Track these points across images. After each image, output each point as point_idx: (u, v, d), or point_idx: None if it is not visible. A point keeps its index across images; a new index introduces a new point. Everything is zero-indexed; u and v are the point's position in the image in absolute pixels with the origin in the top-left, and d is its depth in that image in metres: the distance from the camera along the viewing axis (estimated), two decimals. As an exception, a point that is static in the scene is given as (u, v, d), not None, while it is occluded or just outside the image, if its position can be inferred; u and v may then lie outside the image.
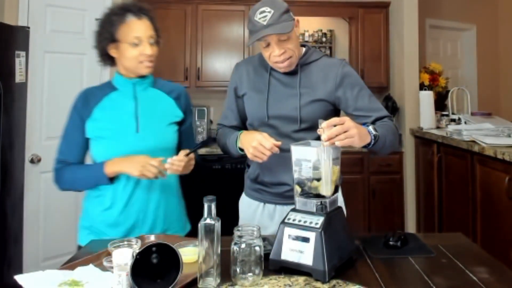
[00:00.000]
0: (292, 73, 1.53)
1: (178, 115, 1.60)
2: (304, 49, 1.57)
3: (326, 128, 1.20)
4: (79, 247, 1.50)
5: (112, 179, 1.47)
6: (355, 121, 1.28)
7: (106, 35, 1.51)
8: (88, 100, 1.53)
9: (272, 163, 1.52)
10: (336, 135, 1.18)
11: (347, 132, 1.21)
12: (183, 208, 1.65)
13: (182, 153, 1.43)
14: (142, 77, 1.56)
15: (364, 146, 1.34)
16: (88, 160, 1.58)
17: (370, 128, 1.35)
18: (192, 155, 1.46)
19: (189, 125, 1.67)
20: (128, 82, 1.55)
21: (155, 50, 1.53)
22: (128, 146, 1.47)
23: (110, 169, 1.44)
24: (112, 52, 1.53)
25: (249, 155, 1.40)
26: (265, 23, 1.39)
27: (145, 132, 1.51)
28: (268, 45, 1.44)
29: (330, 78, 1.51)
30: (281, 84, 1.54)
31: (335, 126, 1.20)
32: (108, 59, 1.57)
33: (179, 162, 1.41)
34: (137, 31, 1.49)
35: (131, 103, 1.54)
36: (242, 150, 1.46)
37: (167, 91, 1.61)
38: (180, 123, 1.61)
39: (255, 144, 1.36)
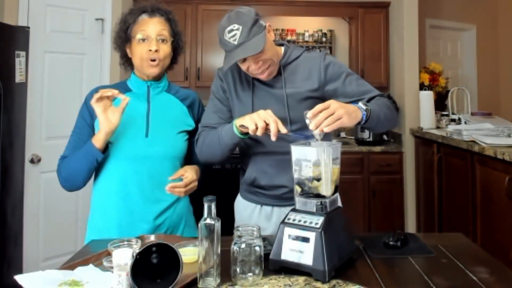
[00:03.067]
0: (276, 75, 1.49)
1: (190, 124, 1.59)
2: (283, 48, 1.54)
3: (311, 117, 1.21)
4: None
5: (103, 152, 1.44)
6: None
7: (122, 34, 1.51)
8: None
9: (269, 166, 1.52)
10: (324, 120, 1.19)
11: (334, 115, 1.20)
12: (191, 214, 1.65)
13: (186, 178, 1.44)
14: (157, 80, 1.55)
15: (358, 123, 1.32)
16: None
17: (360, 104, 1.33)
18: (190, 179, 1.45)
19: None
20: (143, 84, 1.55)
21: (165, 50, 1.51)
22: (136, 150, 1.46)
23: (95, 139, 1.42)
24: (128, 52, 1.53)
25: (247, 121, 1.31)
26: (235, 42, 1.34)
27: (154, 138, 1.49)
28: (244, 60, 1.40)
29: (314, 74, 1.48)
30: (266, 86, 1.50)
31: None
32: (127, 61, 1.57)
33: (179, 189, 1.42)
34: (144, 27, 1.48)
35: (144, 106, 1.53)
36: (242, 134, 1.37)
37: (181, 98, 1.60)
38: (191, 132, 1.59)
39: (262, 112, 1.30)
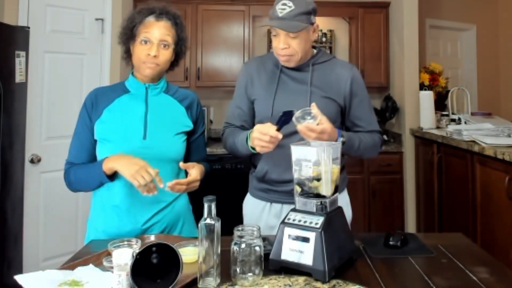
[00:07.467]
0: (303, 71, 1.56)
1: (188, 125, 1.58)
2: (315, 50, 1.62)
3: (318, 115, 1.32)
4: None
5: (112, 177, 1.45)
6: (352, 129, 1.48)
7: (127, 31, 1.53)
8: (98, 101, 1.52)
9: (280, 160, 1.53)
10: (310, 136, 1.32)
11: (320, 135, 1.33)
12: (190, 212, 1.65)
13: (190, 176, 1.44)
14: (155, 82, 1.55)
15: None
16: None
17: (341, 134, 1.45)
18: (193, 177, 1.44)
19: (199, 135, 1.63)
20: (141, 85, 1.54)
21: (165, 55, 1.51)
22: (133, 152, 1.45)
23: (106, 166, 1.42)
24: (131, 50, 1.54)
25: (257, 149, 1.38)
26: (280, 15, 1.44)
27: (152, 140, 1.49)
28: (277, 35, 1.48)
29: (341, 80, 1.56)
30: (292, 80, 1.56)
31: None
32: (130, 57, 1.58)
33: (180, 186, 1.40)
34: (148, 29, 1.49)
35: (142, 108, 1.52)
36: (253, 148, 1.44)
37: (179, 99, 1.60)
38: (189, 133, 1.59)
39: (256, 135, 1.36)
